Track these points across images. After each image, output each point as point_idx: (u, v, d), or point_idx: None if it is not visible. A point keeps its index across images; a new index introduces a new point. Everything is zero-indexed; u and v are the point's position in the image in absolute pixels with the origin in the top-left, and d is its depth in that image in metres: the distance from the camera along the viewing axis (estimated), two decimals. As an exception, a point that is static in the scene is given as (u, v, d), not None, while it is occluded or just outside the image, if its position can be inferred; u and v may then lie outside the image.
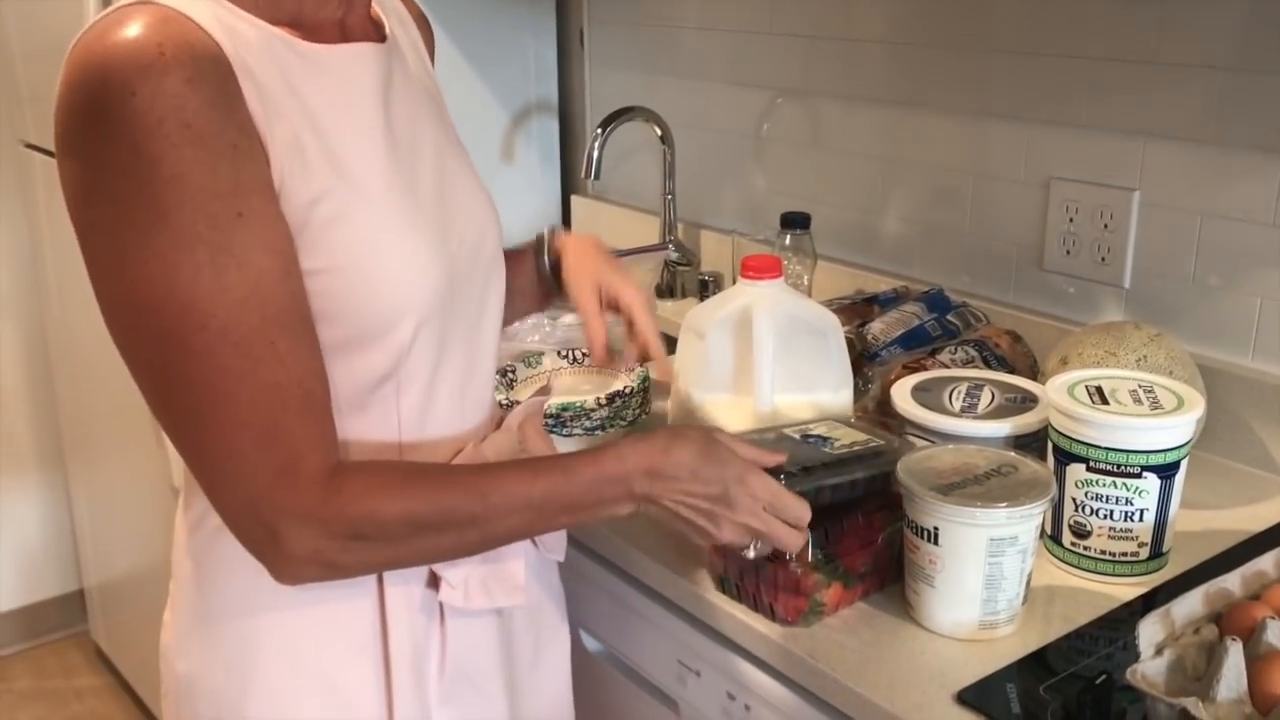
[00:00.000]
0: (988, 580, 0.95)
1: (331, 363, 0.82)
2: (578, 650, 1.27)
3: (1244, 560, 0.97)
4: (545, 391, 1.32)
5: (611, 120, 1.80)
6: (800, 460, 0.98)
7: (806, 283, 1.65)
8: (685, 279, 1.90)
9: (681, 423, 1.18)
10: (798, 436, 1.04)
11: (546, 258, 1.13)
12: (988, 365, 1.32)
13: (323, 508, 0.79)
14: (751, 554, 0.95)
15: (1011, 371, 1.32)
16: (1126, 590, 1.04)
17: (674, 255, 1.88)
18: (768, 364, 1.13)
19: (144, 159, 0.72)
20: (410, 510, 0.82)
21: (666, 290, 1.91)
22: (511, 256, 1.08)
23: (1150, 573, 1.05)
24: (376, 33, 0.94)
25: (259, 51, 0.80)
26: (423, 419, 0.91)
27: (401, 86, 0.92)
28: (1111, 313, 1.39)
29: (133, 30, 0.73)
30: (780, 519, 0.91)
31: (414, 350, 0.87)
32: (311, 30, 0.86)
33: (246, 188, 0.76)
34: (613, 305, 1.09)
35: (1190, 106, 1.28)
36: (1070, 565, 1.07)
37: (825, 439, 1.04)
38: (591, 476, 0.87)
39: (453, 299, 0.90)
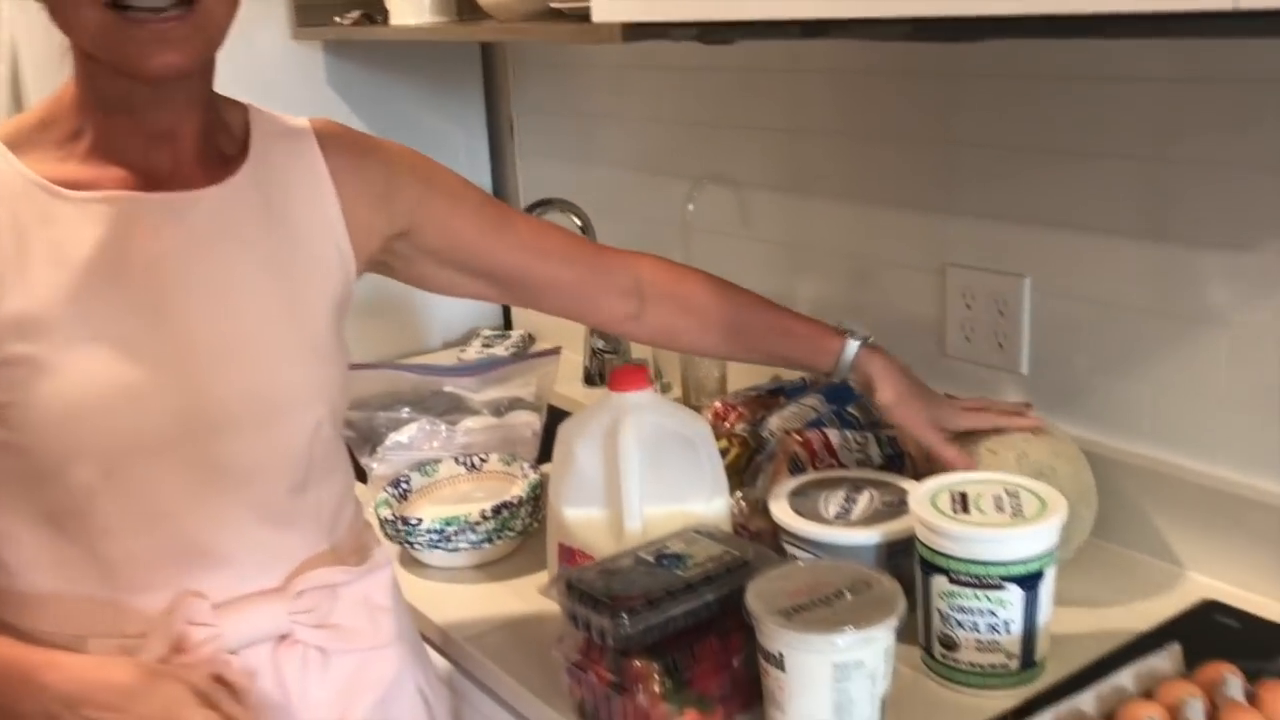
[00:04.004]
0: (836, 707, 0.92)
1: (21, 487, 0.89)
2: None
3: (1107, 673, 0.95)
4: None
5: (530, 211, 1.80)
6: (647, 590, 0.97)
7: (719, 372, 1.64)
8: (614, 366, 1.89)
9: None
10: (652, 559, 1.03)
11: (850, 372, 1.18)
12: (881, 448, 1.30)
13: None
14: None
15: (907, 459, 1.30)
16: (998, 703, 1.01)
17: (601, 343, 1.88)
18: (634, 481, 1.12)
19: None
20: None
21: (596, 378, 1.91)
22: (801, 330, 1.19)
23: (1023, 684, 1.03)
24: (210, 174, 0.94)
25: (12, 199, 0.88)
26: (134, 560, 0.91)
27: (203, 233, 0.92)
28: (1011, 399, 1.36)
29: None
30: None
31: (105, 492, 0.89)
32: (119, 173, 0.90)
33: None
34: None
35: (1075, 194, 1.27)
36: (942, 678, 1.05)
37: (680, 558, 1.03)
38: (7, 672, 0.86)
39: (175, 451, 0.90)
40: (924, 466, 1.29)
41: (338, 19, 1.84)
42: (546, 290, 1.16)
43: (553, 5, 1.41)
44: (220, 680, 0.90)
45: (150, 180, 0.92)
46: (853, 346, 1.18)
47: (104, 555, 0.90)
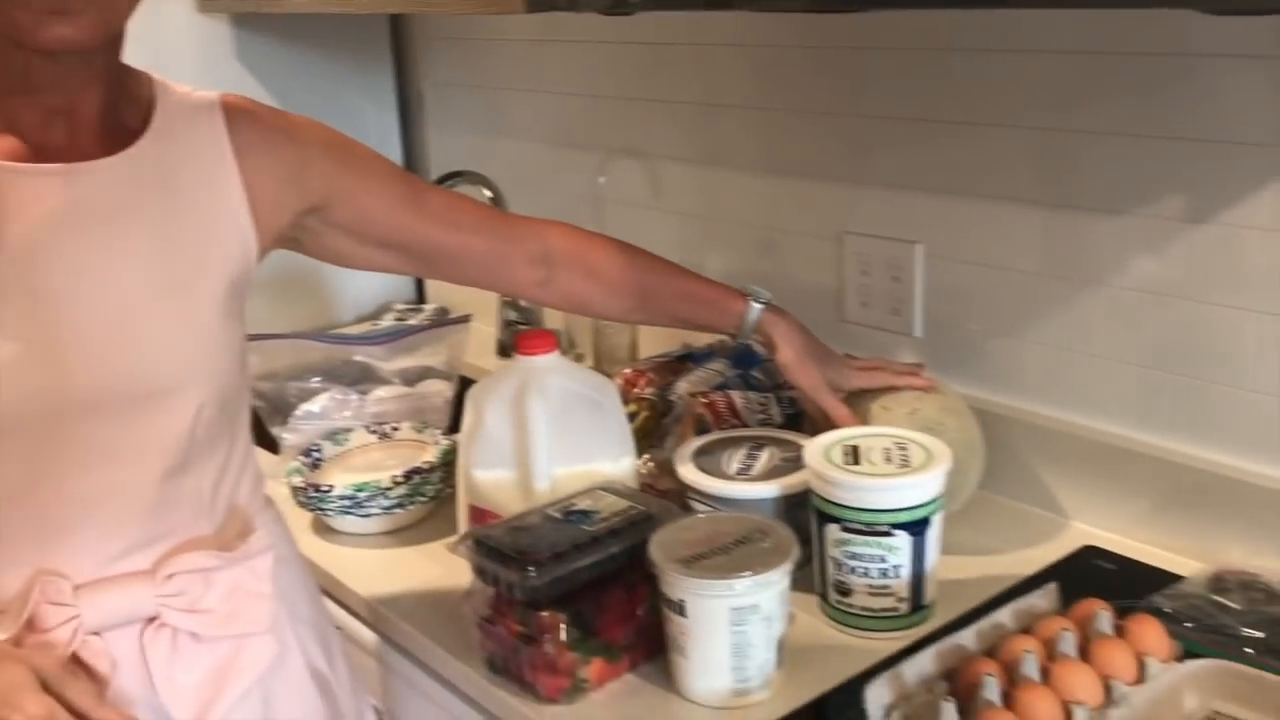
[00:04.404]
0: (735, 649, 0.97)
1: None
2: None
3: (989, 612, 1.01)
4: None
5: (441, 184, 1.82)
6: (554, 544, 1.00)
7: (630, 341, 1.68)
8: (527, 337, 1.92)
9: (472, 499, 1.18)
10: (559, 515, 1.06)
11: (753, 333, 1.23)
12: (782, 408, 1.35)
13: None
14: None
15: (807, 420, 1.35)
16: (890, 644, 1.06)
17: (514, 315, 1.90)
18: (542, 443, 1.15)
19: None
20: None
21: (511, 348, 1.92)
22: (707, 294, 1.23)
23: (913, 626, 1.08)
24: (107, 148, 0.92)
25: None
26: (16, 535, 0.89)
27: (88, 207, 0.90)
28: (905, 361, 1.42)
29: None
30: None
31: None
32: (27, 146, 0.88)
33: None
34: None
35: (966, 163, 1.32)
36: (838, 622, 1.10)
37: (587, 513, 1.06)
38: None
39: (41, 430, 0.88)
40: (822, 425, 1.35)
41: (243, -9, 1.83)
42: (457, 261, 1.17)
43: (458, -23, 1.43)
44: (77, 662, 0.89)
45: (43, 154, 0.89)
46: (755, 309, 1.22)
47: None
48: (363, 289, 2.11)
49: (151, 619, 0.93)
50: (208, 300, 0.95)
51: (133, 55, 0.97)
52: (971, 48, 1.29)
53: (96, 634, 0.91)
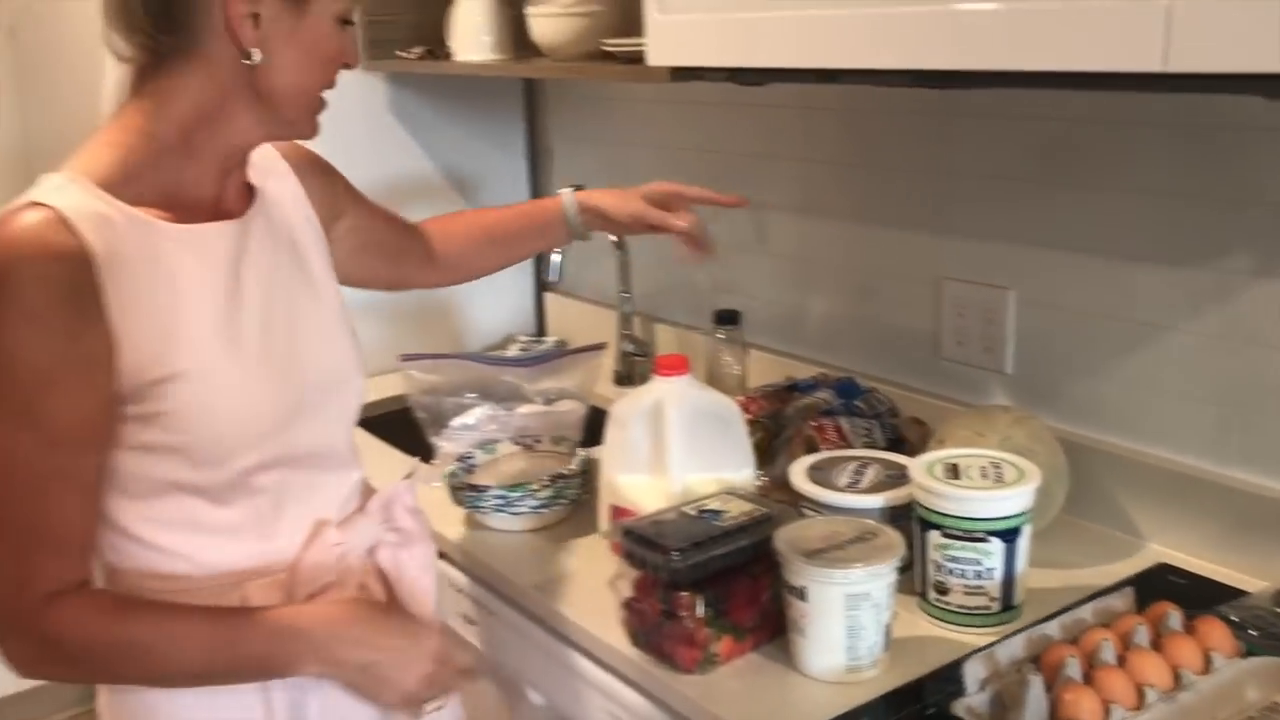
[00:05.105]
0: (849, 630, 1.12)
1: (182, 475, 1.02)
2: (526, 706, 1.45)
3: (1070, 609, 1.15)
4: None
5: (569, 229, 2.01)
6: (692, 536, 1.17)
7: (739, 370, 1.85)
8: (641, 368, 2.10)
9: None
10: (694, 513, 1.23)
11: (577, 214, 1.45)
12: (884, 433, 1.51)
13: (31, 622, 0.97)
14: (431, 708, 1.12)
15: (907, 444, 1.51)
16: (982, 638, 1.20)
17: (630, 347, 2.09)
18: (678, 450, 1.32)
19: None
20: (101, 636, 0.99)
21: (625, 378, 2.11)
22: (533, 210, 1.49)
23: (1003, 623, 1.23)
24: (243, 201, 1.10)
25: (127, 236, 0.97)
26: (280, 511, 1.08)
27: (259, 251, 1.08)
28: (997, 396, 1.57)
29: (8, 232, 0.93)
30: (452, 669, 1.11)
31: (258, 466, 1.05)
32: (185, 208, 1.03)
33: (68, 366, 0.94)
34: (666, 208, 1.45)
35: (1053, 217, 1.48)
36: (936, 618, 1.25)
37: (718, 512, 1.23)
38: (270, 628, 1.03)
39: (298, 425, 1.08)
40: (915, 444, 1.50)
41: (401, 53, 2.05)
42: (394, 254, 1.39)
43: (604, 48, 1.62)
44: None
45: (216, 210, 1.06)
46: (567, 194, 1.46)
47: (258, 513, 1.07)
48: (488, 322, 2.32)
49: (373, 543, 1.15)
50: (342, 301, 1.19)
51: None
52: (1058, 116, 1.44)
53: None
